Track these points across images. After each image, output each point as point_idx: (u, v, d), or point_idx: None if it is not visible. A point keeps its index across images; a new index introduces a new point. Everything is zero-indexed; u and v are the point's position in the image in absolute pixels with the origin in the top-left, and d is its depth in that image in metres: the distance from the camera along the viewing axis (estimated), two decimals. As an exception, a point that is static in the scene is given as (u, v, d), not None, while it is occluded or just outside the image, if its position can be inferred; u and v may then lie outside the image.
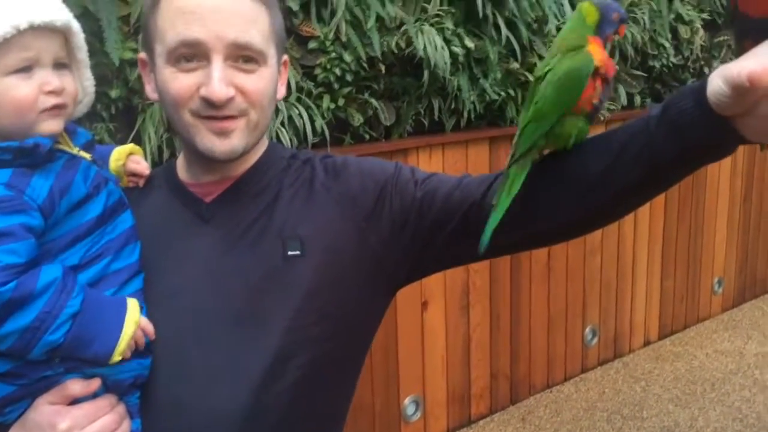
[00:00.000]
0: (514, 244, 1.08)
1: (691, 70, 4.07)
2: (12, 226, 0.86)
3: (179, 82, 0.98)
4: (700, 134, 0.82)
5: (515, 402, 3.60)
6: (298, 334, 1.01)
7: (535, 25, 3.17)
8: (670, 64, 3.89)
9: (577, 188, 0.95)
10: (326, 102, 2.57)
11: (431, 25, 2.77)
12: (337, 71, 2.55)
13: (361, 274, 1.07)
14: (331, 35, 2.54)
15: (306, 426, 1.05)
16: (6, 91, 0.90)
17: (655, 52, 3.78)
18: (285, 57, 1.12)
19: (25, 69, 0.91)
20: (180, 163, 1.14)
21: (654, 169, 0.88)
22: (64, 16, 0.94)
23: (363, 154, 1.39)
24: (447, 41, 2.79)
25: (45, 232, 0.92)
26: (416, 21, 2.77)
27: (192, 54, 0.97)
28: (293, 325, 1.01)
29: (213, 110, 0.98)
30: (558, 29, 3.24)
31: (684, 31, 3.88)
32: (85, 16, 2.00)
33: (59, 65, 0.95)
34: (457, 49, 2.82)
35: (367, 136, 2.80)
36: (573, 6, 3.33)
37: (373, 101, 2.71)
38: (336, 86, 2.59)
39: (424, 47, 2.69)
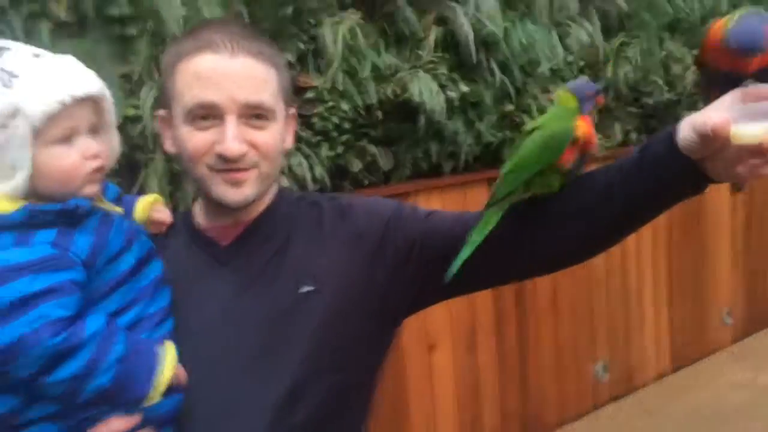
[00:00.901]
0: (511, 273, 1.18)
1: (686, 106, 4.13)
2: (62, 282, 0.94)
3: (196, 139, 1.07)
4: (671, 175, 0.94)
5: (527, 442, 3.56)
6: (311, 365, 1.07)
7: (528, 68, 3.23)
8: (665, 100, 3.95)
9: (565, 220, 1.06)
10: (325, 150, 2.62)
11: (426, 71, 2.84)
12: (335, 119, 2.61)
13: (369, 307, 1.14)
14: (327, 85, 2.61)
15: None
16: (53, 161, 0.97)
17: (649, 89, 3.85)
18: (292, 109, 1.20)
19: (67, 138, 0.98)
20: (197, 209, 1.21)
21: (632, 204, 1.00)
22: (98, 84, 1.02)
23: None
24: (442, 86, 2.86)
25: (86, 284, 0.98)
26: (411, 68, 2.84)
27: (207, 114, 1.06)
28: (307, 357, 1.07)
29: (227, 165, 1.07)
30: (551, 70, 3.30)
31: (676, 68, 3.95)
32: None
33: (93, 129, 1.02)
34: (452, 94, 2.89)
35: (367, 182, 2.85)
36: (565, 47, 3.40)
37: (372, 147, 2.77)
38: (334, 134, 2.65)
39: (420, 93, 2.76)
